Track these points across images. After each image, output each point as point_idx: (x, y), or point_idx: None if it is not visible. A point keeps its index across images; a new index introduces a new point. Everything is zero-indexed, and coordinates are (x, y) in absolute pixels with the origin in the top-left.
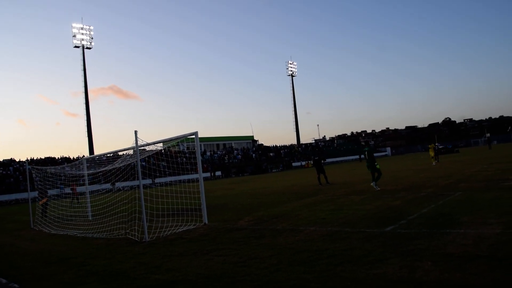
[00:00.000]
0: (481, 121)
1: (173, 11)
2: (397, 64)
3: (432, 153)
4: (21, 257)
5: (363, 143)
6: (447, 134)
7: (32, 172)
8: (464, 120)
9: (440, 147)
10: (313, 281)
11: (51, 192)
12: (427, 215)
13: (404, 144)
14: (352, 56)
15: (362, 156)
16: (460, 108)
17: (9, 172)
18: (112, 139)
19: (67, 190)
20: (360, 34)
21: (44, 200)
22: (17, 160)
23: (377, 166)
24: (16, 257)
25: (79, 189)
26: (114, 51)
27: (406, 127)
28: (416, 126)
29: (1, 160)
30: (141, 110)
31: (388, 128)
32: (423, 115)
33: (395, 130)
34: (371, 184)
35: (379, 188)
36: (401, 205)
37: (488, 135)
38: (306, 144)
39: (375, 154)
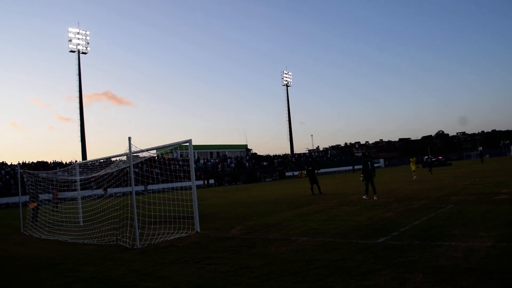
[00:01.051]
0: (473, 134)
1: (169, 20)
2: (392, 78)
3: (413, 167)
4: (9, 262)
5: (363, 155)
6: (440, 147)
7: (24, 176)
8: (457, 133)
9: (433, 159)
10: None
11: (42, 196)
12: (419, 227)
13: (397, 156)
14: (347, 68)
15: (359, 166)
16: (454, 121)
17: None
18: (105, 145)
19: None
20: (355, 47)
21: (35, 204)
22: (9, 163)
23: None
24: (4, 261)
25: (69, 194)
26: (109, 57)
27: (400, 139)
28: (409, 138)
29: None
30: (134, 117)
31: (381, 140)
32: (416, 128)
33: (389, 142)
34: (366, 196)
35: (376, 198)
36: (393, 217)
37: (480, 148)
38: (299, 154)
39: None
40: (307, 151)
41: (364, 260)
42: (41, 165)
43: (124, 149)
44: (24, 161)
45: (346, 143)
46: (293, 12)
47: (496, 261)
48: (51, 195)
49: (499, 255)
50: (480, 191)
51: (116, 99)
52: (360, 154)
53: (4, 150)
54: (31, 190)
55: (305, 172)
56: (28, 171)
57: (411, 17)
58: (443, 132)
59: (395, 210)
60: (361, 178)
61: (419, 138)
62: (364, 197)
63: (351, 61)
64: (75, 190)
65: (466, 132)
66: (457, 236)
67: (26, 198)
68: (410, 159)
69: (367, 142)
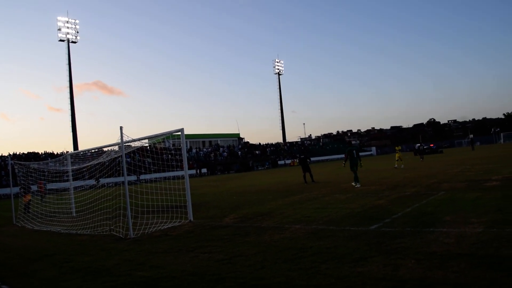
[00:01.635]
0: (464, 122)
1: (159, 8)
2: (383, 65)
3: (397, 155)
4: (3, 254)
5: (348, 143)
6: (431, 135)
7: (15, 167)
8: (448, 121)
9: (424, 147)
10: (297, 278)
11: (34, 187)
12: (410, 214)
13: (389, 144)
14: (338, 56)
15: (345, 155)
16: (444, 109)
17: None
18: (97, 135)
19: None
20: (345, 34)
21: (28, 198)
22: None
23: (361, 165)
24: None
25: (61, 184)
26: (99, 46)
27: (391, 127)
28: (401, 126)
29: None
30: (126, 106)
31: (373, 128)
32: (408, 116)
33: (380, 130)
34: (353, 183)
35: (358, 186)
36: (385, 204)
37: (471, 136)
38: (292, 143)
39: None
40: (300, 140)
41: (357, 247)
42: (32, 156)
43: (115, 139)
44: (15, 152)
45: (338, 131)
46: (284, 0)
47: (487, 246)
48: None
49: (490, 240)
50: (471, 178)
51: (107, 89)
52: (355, 142)
53: None
54: (22, 181)
55: (297, 161)
56: (19, 162)
57: (403, 2)
58: (434, 120)
59: (387, 197)
60: (343, 165)
61: (410, 126)
62: (357, 186)
63: (343, 49)
64: (67, 180)
65: (457, 120)
66: (449, 223)
67: (17, 189)
68: (396, 147)
69: (359, 130)
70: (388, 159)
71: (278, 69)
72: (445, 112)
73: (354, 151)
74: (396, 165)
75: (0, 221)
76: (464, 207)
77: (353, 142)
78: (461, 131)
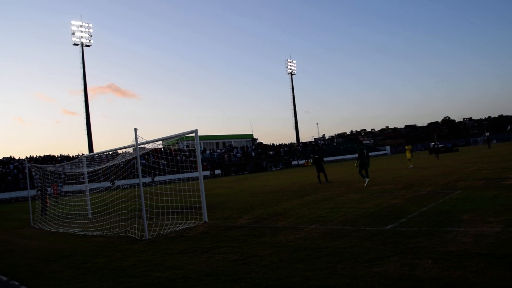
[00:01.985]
0: (480, 120)
1: (172, 10)
2: (397, 64)
3: (408, 155)
4: (21, 255)
5: (358, 143)
6: (447, 133)
7: (32, 170)
8: (464, 119)
9: (439, 146)
10: (313, 279)
11: (50, 190)
12: (427, 213)
13: (404, 143)
14: (352, 55)
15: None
16: (460, 107)
17: (8, 170)
18: (111, 137)
19: (65, 188)
20: (359, 33)
21: (47, 202)
22: (17, 158)
23: (368, 166)
24: (16, 255)
25: (77, 187)
26: (112, 50)
27: (406, 126)
28: (415, 125)
29: (1, 158)
30: (140, 109)
31: (387, 127)
32: (422, 114)
33: (395, 129)
34: (365, 184)
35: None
36: (401, 204)
37: (487, 134)
38: (305, 143)
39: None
40: (313, 140)
41: (372, 247)
42: (49, 159)
43: (129, 141)
44: (31, 155)
45: (352, 131)
46: (297, 0)
47: (506, 246)
48: (52, 189)
49: (509, 239)
50: (487, 176)
51: (120, 92)
52: (369, 141)
53: (11, 145)
54: (39, 184)
55: (311, 161)
56: (36, 165)
57: (417, 2)
58: (449, 118)
59: (402, 196)
60: (355, 164)
61: (425, 124)
62: (365, 184)
63: (356, 48)
64: (83, 183)
65: (473, 118)
66: (466, 222)
67: (34, 192)
68: (406, 147)
69: (373, 129)
70: (402, 158)
71: (290, 69)
72: (460, 110)
73: (365, 150)
74: (411, 165)
75: (18, 223)
76: (482, 206)
77: (365, 142)
78: (476, 129)
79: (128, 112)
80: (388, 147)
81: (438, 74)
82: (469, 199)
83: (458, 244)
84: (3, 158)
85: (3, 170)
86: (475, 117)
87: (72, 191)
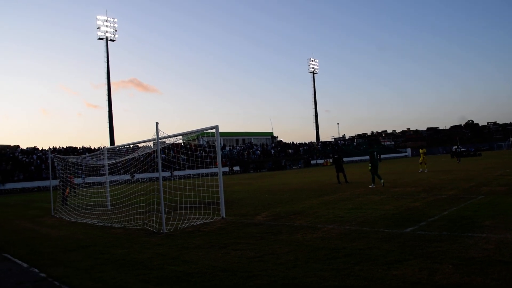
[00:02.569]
0: (505, 124)
1: (195, 6)
2: (420, 65)
3: (421, 159)
4: (41, 243)
5: (369, 145)
6: (470, 137)
7: (54, 160)
8: (488, 123)
9: (462, 149)
10: (330, 279)
11: (73, 180)
12: (448, 217)
13: (425, 146)
14: (374, 55)
15: (375, 156)
16: (484, 111)
17: (32, 160)
18: (132, 131)
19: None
20: (382, 33)
21: (67, 191)
22: (40, 148)
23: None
24: (36, 242)
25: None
26: (135, 44)
27: (428, 128)
28: (437, 127)
29: (25, 148)
30: (161, 104)
31: (409, 129)
32: (445, 117)
33: (416, 131)
34: (382, 183)
35: (374, 186)
36: (421, 207)
37: None
38: (325, 142)
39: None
40: (333, 139)
41: (391, 250)
42: (71, 151)
43: (150, 135)
44: (54, 147)
45: (372, 132)
46: None
47: None
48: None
49: None
50: (511, 182)
51: (142, 86)
52: (390, 143)
53: (35, 135)
54: (61, 174)
55: (331, 161)
56: (59, 155)
57: (438, 7)
58: (473, 121)
59: (423, 200)
60: (369, 167)
61: (447, 127)
62: (371, 186)
63: (378, 49)
64: (103, 174)
65: (497, 122)
66: (488, 228)
67: (56, 182)
68: (420, 150)
69: (394, 131)
70: None
71: (313, 67)
72: (484, 113)
73: (375, 153)
74: (420, 169)
75: (40, 212)
76: (505, 212)
77: (386, 143)
78: (501, 133)
79: (149, 107)
80: (409, 149)
81: (461, 77)
82: (492, 204)
83: (480, 251)
84: (27, 148)
85: (27, 160)
86: (500, 122)
87: (92, 183)
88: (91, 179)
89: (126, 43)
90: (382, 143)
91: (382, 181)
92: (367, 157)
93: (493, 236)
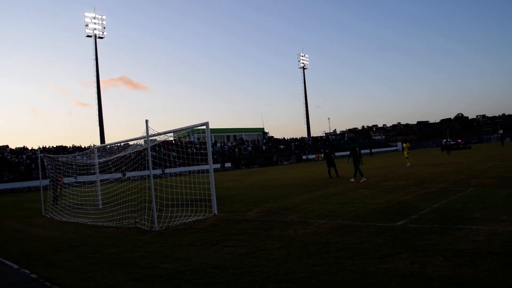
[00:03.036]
0: (494, 117)
1: (184, 3)
2: (410, 59)
3: (406, 153)
4: (32, 244)
5: (351, 141)
6: (459, 130)
7: (44, 160)
8: (477, 116)
9: (451, 142)
10: (322, 274)
11: (62, 180)
12: (438, 210)
13: (416, 139)
14: (364, 51)
15: (349, 152)
16: (473, 104)
17: (21, 160)
18: (122, 129)
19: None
20: (372, 28)
21: (58, 191)
22: (29, 148)
23: (362, 163)
24: (27, 243)
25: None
26: (123, 42)
27: (418, 122)
28: (427, 121)
29: (14, 148)
30: (151, 101)
31: (399, 123)
32: (435, 111)
33: (407, 125)
34: (362, 179)
35: (353, 180)
36: (412, 200)
37: (501, 131)
38: (316, 137)
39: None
40: (324, 134)
41: (382, 243)
42: (61, 150)
43: (141, 132)
44: (44, 146)
45: (363, 126)
46: None
47: None
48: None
49: None
50: (501, 174)
51: (132, 84)
52: (380, 137)
53: (25, 135)
54: (51, 174)
55: (322, 156)
56: (48, 155)
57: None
58: (462, 115)
59: (414, 193)
60: (346, 160)
61: (437, 121)
62: (351, 180)
63: (368, 43)
64: (94, 173)
65: (486, 115)
66: (478, 220)
67: (47, 182)
68: (404, 144)
69: (385, 125)
70: (414, 154)
71: (303, 63)
72: (473, 107)
73: (357, 148)
74: (408, 164)
75: (30, 212)
76: (495, 204)
77: (377, 137)
78: (490, 126)
79: (139, 104)
80: (399, 143)
81: (451, 71)
82: (481, 197)
83: (470, 242)
84: (16, 148)
85: (16, 160)
86: (489, 115)
87: (83, 182)
88: (82, 178)
89: (115, 40)
90: (372, 137)
91: (354, 178)
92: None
93: (483, 228)
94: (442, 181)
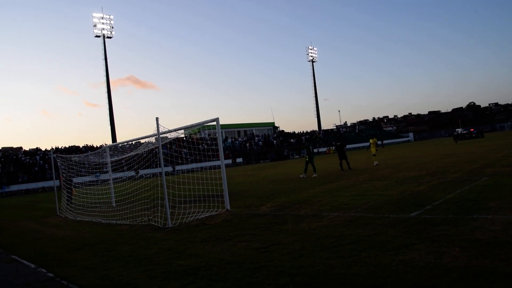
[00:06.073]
0: (507, 105)
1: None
2: (420, 49)
3: (373, 150)
4: (47, 243)
5: (306, 140)
6: (472, 119)
7: (57, 160)
8: (489, 104)
9: (463, 132)
10: (337, 267)
11: (76, 180)
12: (453, 200)
13: (427, 130)
14: (373, 42)
15: (304, 151)
16: (485, 92)
17: (35, 161)
18: (132, 128)
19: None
20: (380, 22)
21: (74, 192)
22: (43, 149)
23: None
24: (43, 243)
25: (101, 176)
26: (130, 41)
27: (429, 112)
28: (439, 111)
29: (27, 149)
30: (159, 100)
31: (410, 113)
32: (446, 100)
33: (418, 115)
34: (314, 175)
35: (304, 176)
36: (425, 191)
37: None
38: (327, 130)
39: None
40: (335, 127)
41: (397, 235)
42: (73, 150)
43: (151, 131)
44: (57, 147)
45: (374, 118)
46: None
47: None
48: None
49: None
50: None
51: (140, 83)
52: (391, 128)
53: (38, 137)
54: (64, 174)
55: (333, 148)
56: (61, 155)
57: None
58: (474, 103)
59: (427, 183)
60: (306, 159)
61: (449, 110)
62: (301, 176)
63: (377, 35)
64: (107, 172)
65: (499, 103)
66: (494, 209)
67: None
68: (370, 140)
69: (396, 116)
70: (426, 145)
71: (311, 56)
72: (485, 95)
73: (311, 146)
74: (375, 162)
75: (45, 213)
76: (510, 193)
77: (388, 128)
78: (503, 114)
79: (148, 103)
80: (411, 134)
81: (461, 60)
82: (496, 186)
83: (486, 232)
84: (30, 149)
85: (30, 161)
86: (501, 102)
87: (96, 181)
88: (103, 176)
89: (121, 40)
90: (384, 128)
91: (304, 174)
92: (368, 143)
93: (499, 217)
94: (455, 170)
